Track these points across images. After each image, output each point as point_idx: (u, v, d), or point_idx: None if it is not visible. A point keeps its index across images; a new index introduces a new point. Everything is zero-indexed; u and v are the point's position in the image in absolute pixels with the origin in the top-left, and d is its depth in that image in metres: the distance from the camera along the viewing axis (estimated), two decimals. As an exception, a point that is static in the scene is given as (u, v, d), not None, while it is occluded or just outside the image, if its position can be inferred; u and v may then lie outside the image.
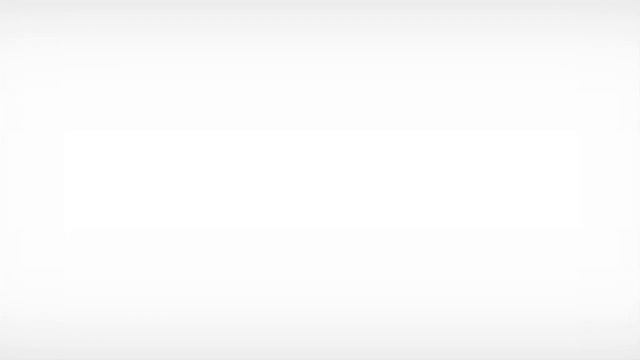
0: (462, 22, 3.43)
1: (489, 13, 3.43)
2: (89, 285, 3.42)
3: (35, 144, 3.41)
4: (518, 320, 3.45)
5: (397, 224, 3.44)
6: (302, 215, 3.44)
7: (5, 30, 3.41)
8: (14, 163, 3.41)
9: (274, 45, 3.44)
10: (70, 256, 3.42)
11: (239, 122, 3.44)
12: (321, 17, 3.43)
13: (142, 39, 3.41)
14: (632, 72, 3.45)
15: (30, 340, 3.41)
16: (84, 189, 3.41)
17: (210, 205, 3.44)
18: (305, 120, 3.44)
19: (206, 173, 3.43)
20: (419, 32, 3.43)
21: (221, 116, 3.43)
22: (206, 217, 3.44)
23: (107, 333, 3.42)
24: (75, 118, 3.42)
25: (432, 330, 3.44)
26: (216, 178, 3.44)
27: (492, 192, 3.45)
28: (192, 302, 3.44)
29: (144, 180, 3.43)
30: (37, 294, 3.41)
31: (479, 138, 3.44)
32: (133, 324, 3.42)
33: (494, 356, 3.43)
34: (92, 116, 3.42)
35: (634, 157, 3.45)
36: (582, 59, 3.45)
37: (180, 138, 3.43)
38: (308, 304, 3.45)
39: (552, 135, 3.45)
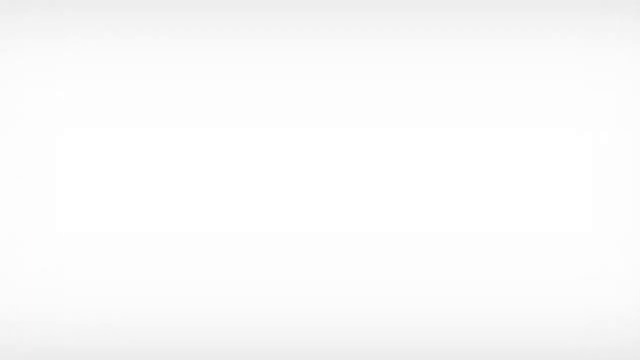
0: (468, 23, 3.44)
1: (492, 15, 3.44)
2: (88, 285, 3.42)
3: (35, 144, 3.41)
4: (522, 321, 3.46)
5: (405, 226, 3.44)
6: (302, 214, 3.44)
7: (5, 30, 3.42)
8: (13, 163, 3.41)
9: (273, 46, 3.44)
10: (67, 257, 3.42)
11: (238, 122, 3.44)
12: (321, 17, 3.44)
13: (141, 39, 3.41)
14: (632, 72, 3.45)
15: (30, 340, 3.41)
16: (78, 191, 3.41)
17: (207, 205, 3.44)
18: (305, 120, 3.45)
19: (203, 173, 3.44)
20: (424, 33, 3.43)
21: (219, 116, 3.43)
22: (203, 218, 3.44)
23: (105, 333, 3.42)
24: (74, 118, 3.42)
25: (439, 329, 3.45)
26: (213, 178, 3.44)
27: (492, 193, 3.45)
28: (190, 302, 3.44)
29: (139, 182, 3.43)
30: (37, 294, 3.41)
31: (480, 138, 3.45)
32: (130, 325, 3.42)
33: (496, 356, 3.44)
34: (91, 116, 3.42)
35: (634, 157, 3.45)
36: (582, 59, 3.45)
37: (177, 139, 3.43)
38: (308, 304, 3.46)
39: (552, 134, 3.45)
